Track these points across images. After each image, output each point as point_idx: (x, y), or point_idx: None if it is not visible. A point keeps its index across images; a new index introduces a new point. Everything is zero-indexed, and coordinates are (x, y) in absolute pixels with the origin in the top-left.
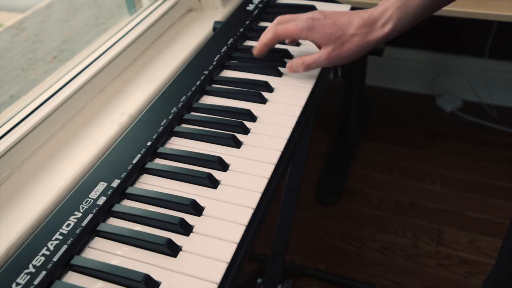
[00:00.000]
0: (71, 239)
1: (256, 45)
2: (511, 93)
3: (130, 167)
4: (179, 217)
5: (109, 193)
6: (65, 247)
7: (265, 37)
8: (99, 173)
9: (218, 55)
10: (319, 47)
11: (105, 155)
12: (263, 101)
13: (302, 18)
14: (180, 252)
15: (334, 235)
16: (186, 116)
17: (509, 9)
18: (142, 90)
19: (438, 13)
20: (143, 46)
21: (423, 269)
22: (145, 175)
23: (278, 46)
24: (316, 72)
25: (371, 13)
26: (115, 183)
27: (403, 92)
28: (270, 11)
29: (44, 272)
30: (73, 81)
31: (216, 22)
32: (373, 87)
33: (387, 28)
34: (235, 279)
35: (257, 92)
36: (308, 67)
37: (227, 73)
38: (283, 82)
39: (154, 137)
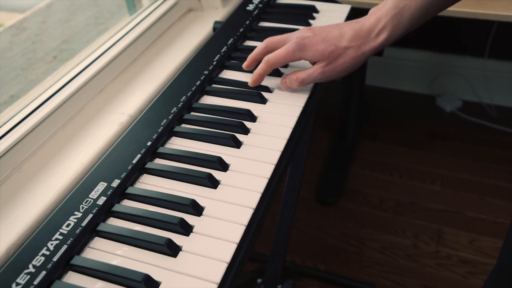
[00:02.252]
0: (71, 239)
1: (252, 77)
2: (511, 93)
3: (130, 167)
4: (179, 217)
5: (109, 193)
6: (65, 247)
7: (260, 69)
8: (99, 173)
9: (218, 55)
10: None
11: (105, 155)
12: (263, 101)
13: (291, 40)
14: (180, 252)
15: (334, 235)
16: (186, 116)
17: (509, 9)
18: (142, 90)
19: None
20: (143, 46)
21: (423, 269)
22: (145, 175)
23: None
24: None
25: (363, 23)
26: (115, 183)
27: (403, 92)
28: (270, 11)
29: (44, 272)
30: (73, 81)
31: (216, 22)
32: (373, 87)
33: (382, 38)
34: (235, 279)
35: (257, 92)
36: (302, 83)
37: (227, 73)
38: None
39: (154, 137)
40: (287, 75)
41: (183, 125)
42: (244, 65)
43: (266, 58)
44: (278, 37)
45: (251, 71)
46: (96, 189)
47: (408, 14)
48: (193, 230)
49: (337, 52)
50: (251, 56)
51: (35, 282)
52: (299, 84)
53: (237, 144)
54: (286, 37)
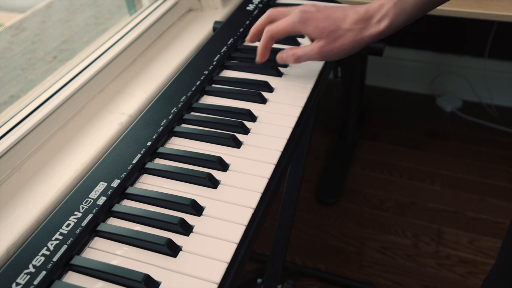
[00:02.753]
0: (71, 239)
1: (257, 53)
2: (511, 93)
3: (130, 167)
4: (179, 217)
5: (109, 193)
6: (65, 247)
7: (262, 41)
8: (99, 173)
9: (218, 55)
10: (312, 40)
11: (105, 155)
12: (263, 101)
13: (294, 12)
14: (180, 252)
15: (334, 235)
16: (186, 116)
17: (509, 9)
18: (142, 90)
19: (438, 13)
20: (143, 46)
21: (423, 269)
22: (145, 175)
23: (277, 46)
24: (316, 72)
25: (367, 8)
26: (115, 183)
27: (403, 92)
28: None
29: (44, 272)
30: (73, 81)
31: (216, 22)
32: (373, 87)
33: (383, 24)
34: (235, 279)
35: (257, 92)
36: (298, 59)
37: (227, 73)
38: (283, 82)
39: (154, 137)
40: (284, 50)
41: (183, 125)
42: (247, 38)
43: (267, 28)
44: (281, 9)
45: (251, 71)
46: (96, 189)
47: (411, 3)
48: (193, 230)
49: (337, 33)
50: (253, 28)
51: (35, 282)
52: (295, 60)
53: (237, 144)
54: (289, 10)
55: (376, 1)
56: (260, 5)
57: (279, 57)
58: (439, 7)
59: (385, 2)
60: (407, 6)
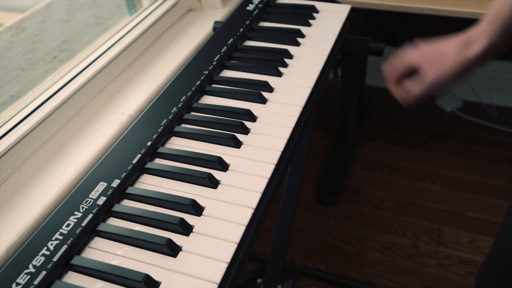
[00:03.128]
0: (71, 239)
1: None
2: (511, 93)
3: (130, 167)
4: (179, 217)
5: (109, 193)
6: (65, 247)
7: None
8: (99, 173)
9: (218, 55)
10: (418, 71)
11: (105, 155)
12: (263, 101)
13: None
14: (180, 252)
15: (334, 235)
16: (186, 116)
17: None
18: (142, 90)
19: (437, 13)
20: (143, 46)
21: (423, 269)
22: (145, 175)
23: (278, 46)
24: (316, 72)
25: (467, 32)
26: (115, 183)
27: None
28: (270, 11)
29: (44, 272)
30: (73, 81)
31: (216, 22)
32: (373, 87)
33: (482, 43)
34: (235, 279)
35: (257, 92)
36: (416, 97)
37: (227, 73)
38: (283, 82)
39: (154, 137)
40: (404, 95)
41: (183, 125)
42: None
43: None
44: None
45: (251, 71)
46: (96, 189)
47: (504, 18)
48: (193, 230)
49: (439, 57)
50: None
51: (35, 282)
52: (414, 99)
53: (237, 144)
54: None
55: (476, 26)
56: (260, 5)
57: (402, 96)
58: (438, 7)
59: (482, 24)
60: (502, 23)
